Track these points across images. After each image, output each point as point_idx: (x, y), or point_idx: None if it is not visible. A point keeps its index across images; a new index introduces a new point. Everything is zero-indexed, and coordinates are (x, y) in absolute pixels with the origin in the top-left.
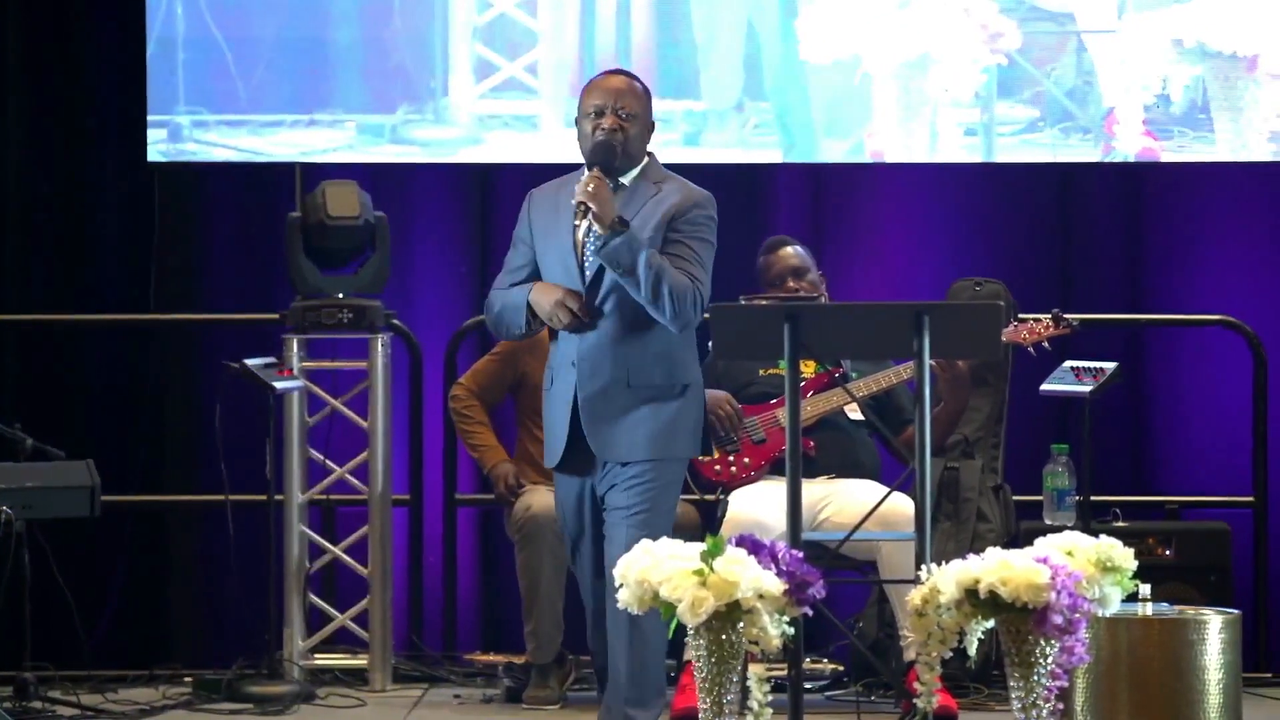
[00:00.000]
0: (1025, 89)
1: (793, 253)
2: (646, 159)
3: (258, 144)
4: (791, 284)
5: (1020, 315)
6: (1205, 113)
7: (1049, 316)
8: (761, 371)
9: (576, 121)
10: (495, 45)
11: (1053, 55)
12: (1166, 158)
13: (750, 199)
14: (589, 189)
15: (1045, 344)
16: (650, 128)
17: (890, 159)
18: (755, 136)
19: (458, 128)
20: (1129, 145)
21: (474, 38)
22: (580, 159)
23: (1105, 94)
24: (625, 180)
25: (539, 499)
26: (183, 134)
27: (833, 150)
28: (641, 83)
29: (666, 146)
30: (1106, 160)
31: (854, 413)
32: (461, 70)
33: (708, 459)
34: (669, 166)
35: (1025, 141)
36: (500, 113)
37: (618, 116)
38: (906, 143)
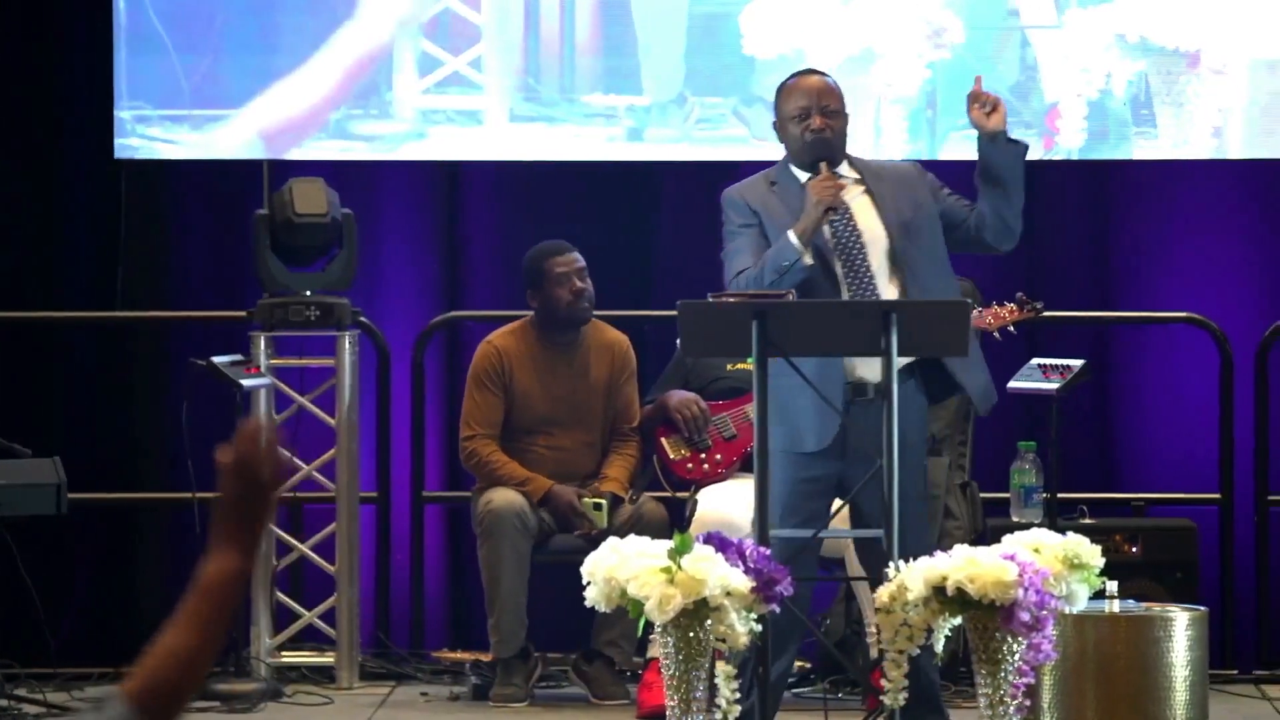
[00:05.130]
0: (968, 85)
1: None
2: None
3: (199, 139)
4: None
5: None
6: (1148, 108)
7: (1013, 301)
8: (729, 366)
9: (777, 126)
10: (439, 40)
11: (996, 51)
12: (1109, 154)
13: (719, 195)
14: (827, 187)
15: (1011, 328)
16: (848, 121)
17: None
18: (698, 131)
19: (402, 123)
20: (1072, 141)
21: (418, 33)
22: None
23: (1048, 90)
24: (842, 171)
25: (500, 494)
26: (126, 129)
27: (774, 146)
28: (833, 79)
29: (610, 142)
30: (1049, 157)
31: None
32: (405, 66)
33: (679, 457)
34: (612, 163)
35: (969, 137)
36: (444, 108)
37: (824, 115)
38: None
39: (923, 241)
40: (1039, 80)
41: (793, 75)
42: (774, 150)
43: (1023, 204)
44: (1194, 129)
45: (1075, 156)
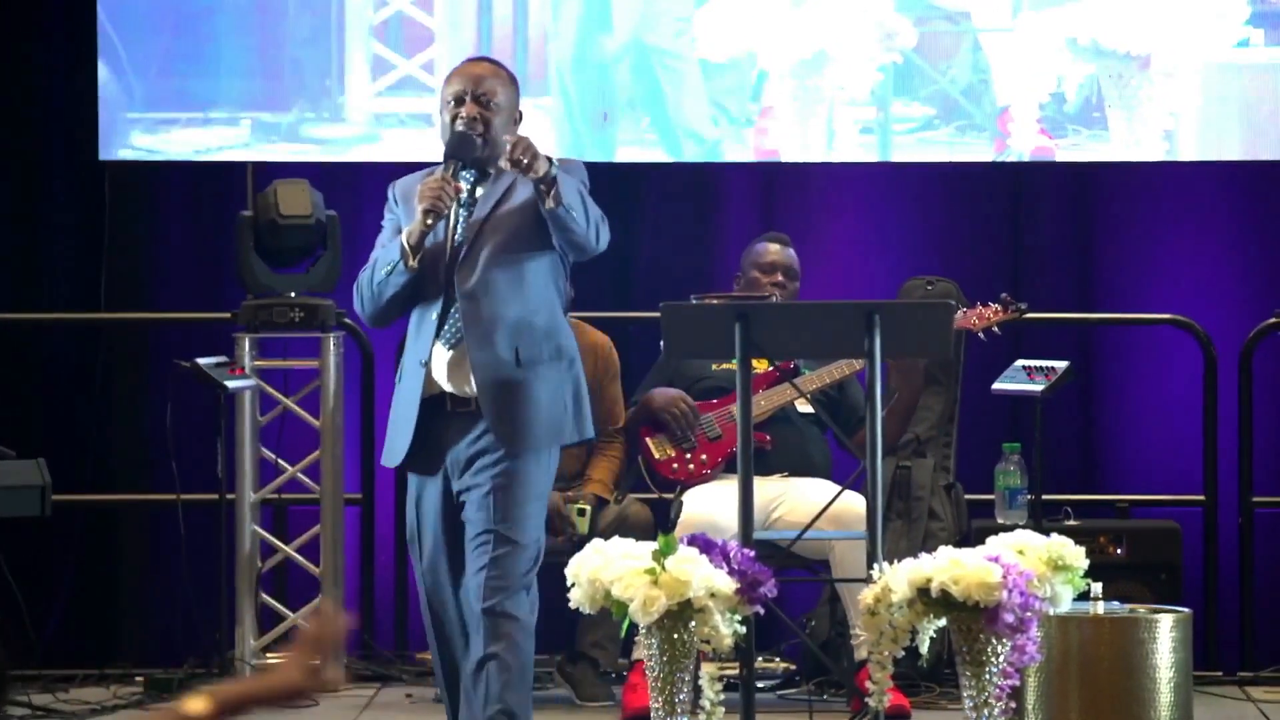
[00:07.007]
0: (921, 87)
1: (794, 255)
2: None
3: (151, 142)
4: (781, 278)
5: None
6: (1099, 110)
7: (997, 302)
8: (714, 366)
9: (440, 113)
10: (391, 43)
11: (948, 53)
12: (1061, 156)
13: (701, 197)
14: (433, 189)
15: (995, 329)
16: (516, 117)
17: (785, 158)
18: (649, 134)
19: (354, 126)
20: (1023, 144)
21: (370, 36)
22: None
23: (1000, 92)
24: (492, 170)
25: None
26: (110, 130)
27: (727, 148)
28: (507, 69)
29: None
30: (1001, 159)
31: (803, 405)
32: (358, 68)
33: (664, 457)
34: (592, 164)
35: (921, 140)
36: (396, 111)
37: (479, 104)
38: (802, 141)
39: (516, 246)
40: (991, 83)
41: (462, 61)
42: (734, 152)
43: (581, 231)
44: (1145, 131)
45: (1026, 159)
